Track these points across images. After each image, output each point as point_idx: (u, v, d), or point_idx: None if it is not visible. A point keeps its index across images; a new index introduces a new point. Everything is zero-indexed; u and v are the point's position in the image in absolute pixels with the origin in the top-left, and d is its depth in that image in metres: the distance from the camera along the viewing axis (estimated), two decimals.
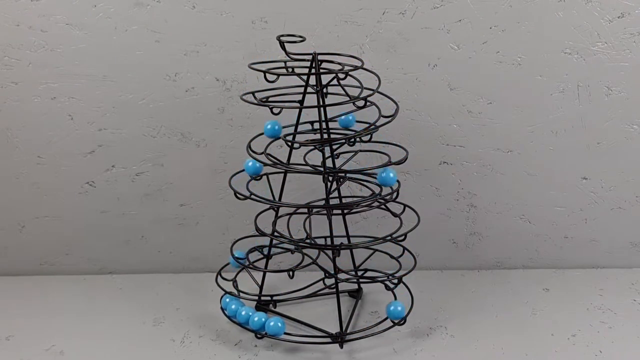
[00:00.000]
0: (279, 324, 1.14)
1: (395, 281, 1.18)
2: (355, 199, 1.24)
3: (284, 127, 1.22)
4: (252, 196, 1.16)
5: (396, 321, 1.17)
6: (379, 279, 1.19)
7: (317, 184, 1.25)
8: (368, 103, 1.12)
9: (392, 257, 1.26)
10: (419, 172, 1.37)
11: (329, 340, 1.16)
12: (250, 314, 1.18)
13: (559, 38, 1.29)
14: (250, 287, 1.25)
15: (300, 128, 1.20)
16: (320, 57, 1.13)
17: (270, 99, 1.15)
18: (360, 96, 1.12)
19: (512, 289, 1.36)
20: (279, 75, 1.12)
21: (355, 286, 1.34)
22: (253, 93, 1.15)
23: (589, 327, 1.23)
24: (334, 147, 1.22)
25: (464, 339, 1.20)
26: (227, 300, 1.23)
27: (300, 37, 1.11)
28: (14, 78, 1.31)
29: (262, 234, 1.21)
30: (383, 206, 1.20)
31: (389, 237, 1.16)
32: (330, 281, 1.27)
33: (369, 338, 1.17)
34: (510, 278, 1.40)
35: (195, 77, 1.31)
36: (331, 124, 1.18)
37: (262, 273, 1.27)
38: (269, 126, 1.17)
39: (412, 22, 1.28)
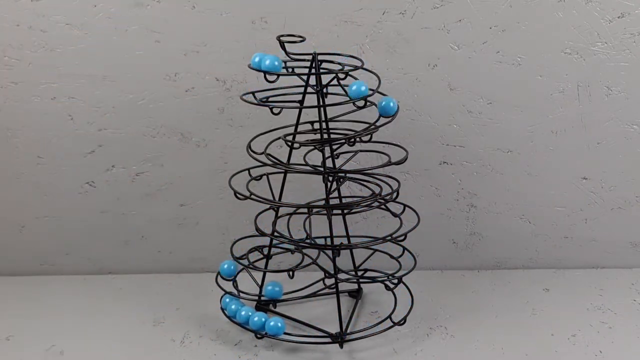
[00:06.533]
0: (279, 324, 1.14)
1: (395, 281, 1.18)
2: (355, 199, 1.24)
3: (284, 127, 1.22)
4: (252, 196, 1.16)
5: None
6: (379, 279, 1.19)
7: (317, 184, 1.25)
8: (368, 103, 1.13)
9: (392, 257, 1.26)
10: (419, 172, 1.37)
11: (329, 340, 1.16)
12: (250, 314, 1.18)
13: (559, 38, 1.29)
14: (250, 287, 1.25)
15: (300, 128, 1.20)
16: (320, 57, 1.13)
17: (270, 99, 1.15)
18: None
19: (512, 289, 1.36)
20: (279, 75, 1.12)
21: (355, 286, 1.34)
22: (253, 93, 1.15)
23: (589, 327, 1.23)
24: (334, 147, 1.22)
25: (464, 339, 1.20)
26: (227, 300, 1.23)
27: (300, 37, 1.11)
28: (14, 78, 1.31)
29: (262, 234, 1.21)
30: (383, 206, 1.20)
31: (389, 237, 1.16)
32: (330, 281, 1.26)
33: (369, 338, 1.17)
34: (510, 278, 1.40)
35: (195, 77, 1.31)
36: (331, 124, 1.18)
37: (262, 273, 1.27)
38: None
39: (412, 22, 1.28)
